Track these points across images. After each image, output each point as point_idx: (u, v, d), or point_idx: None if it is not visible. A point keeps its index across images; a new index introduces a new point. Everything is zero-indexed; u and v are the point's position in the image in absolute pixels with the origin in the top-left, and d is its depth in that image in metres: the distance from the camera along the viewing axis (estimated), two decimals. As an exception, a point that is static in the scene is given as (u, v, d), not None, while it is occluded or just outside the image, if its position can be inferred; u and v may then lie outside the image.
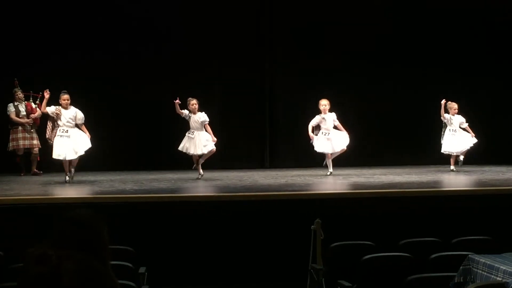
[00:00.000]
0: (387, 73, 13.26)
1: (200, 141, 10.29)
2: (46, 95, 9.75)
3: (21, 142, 11.56)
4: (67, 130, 9.70)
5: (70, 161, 9.86)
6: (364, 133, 13.04)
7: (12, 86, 11.60)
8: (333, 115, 10.77)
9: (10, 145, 11.59)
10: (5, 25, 12.25)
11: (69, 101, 9.76)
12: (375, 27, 13.20)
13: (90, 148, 9.84)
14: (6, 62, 12.04)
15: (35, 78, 11.69)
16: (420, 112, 13.16)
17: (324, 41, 13.30)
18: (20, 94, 11.61)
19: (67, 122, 9.71)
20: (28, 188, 9.47)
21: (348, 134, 10.81)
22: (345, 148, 10.78)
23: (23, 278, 2.38)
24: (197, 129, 10.32)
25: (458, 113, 11.38)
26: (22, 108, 11.61)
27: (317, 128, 10.77)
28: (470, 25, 13.39)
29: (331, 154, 10.79)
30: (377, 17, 13.28)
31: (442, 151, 11.46)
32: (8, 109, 11.54)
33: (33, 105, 11.66)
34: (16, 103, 11.59)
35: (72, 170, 9.92)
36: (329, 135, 10.71)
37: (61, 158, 9.72)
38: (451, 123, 11.33)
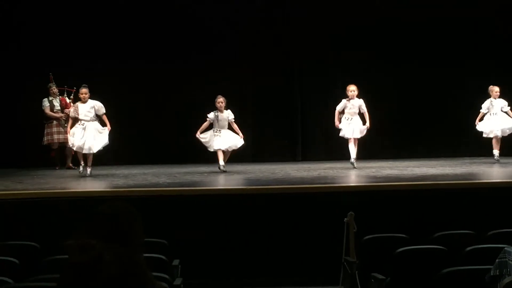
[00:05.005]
0: (420, 66, 13.08)
1: (229, 137, 10.34)
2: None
3: (55, 137, 11.69)
4: (84, 123, 9.75)
5: (87, 155, 9.90)
6: (397, 125, 12.96)
7: (47, 82, 11.74)
8: (360, 101, 10.62)
9: (45, 139, 11.74)
10: (44, 23, 12.36)
11: (87, 95, 9.80)
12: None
13: (109, 144, 9.86)
14: (41, 59, 12.15)
15: (68, 77, 11.78)
16: (454, 104, 13.00)
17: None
18: (54, 89, 11.75)
19: (85, 116, 9.77)
20: (63, 181, 9.59)
21: (374, 126, 10.70)
22: (359, 137, 10.62)
23: (67, 266, 2.41)
24: (223, 127, 10.36)
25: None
26: (56, 103, 11.75)
27: (342, 113, 10.70)
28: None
29: (352, 139, 10.65)
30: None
31: (479, 129, 11.20)
32: (42, 103, 11.68)
33: (68, 100, 11.78)
34: (50, 98, 11.74)
35: (88, 168, 9.88)
36: (351, 120, 10.62)
37: (79, 150, 9.79)
38: (492, 106, 11.07)
